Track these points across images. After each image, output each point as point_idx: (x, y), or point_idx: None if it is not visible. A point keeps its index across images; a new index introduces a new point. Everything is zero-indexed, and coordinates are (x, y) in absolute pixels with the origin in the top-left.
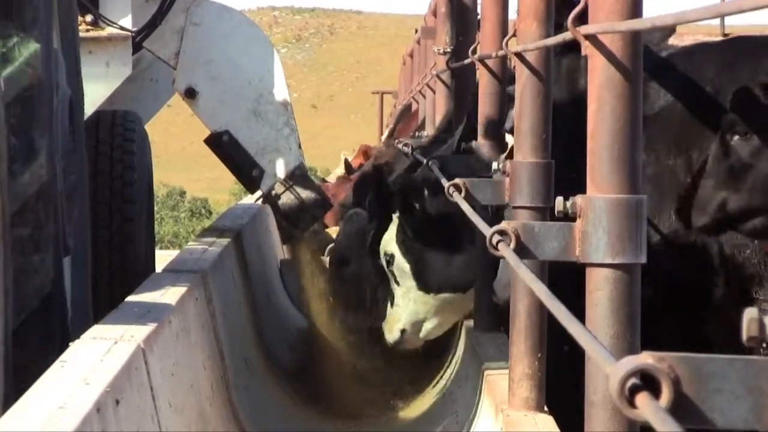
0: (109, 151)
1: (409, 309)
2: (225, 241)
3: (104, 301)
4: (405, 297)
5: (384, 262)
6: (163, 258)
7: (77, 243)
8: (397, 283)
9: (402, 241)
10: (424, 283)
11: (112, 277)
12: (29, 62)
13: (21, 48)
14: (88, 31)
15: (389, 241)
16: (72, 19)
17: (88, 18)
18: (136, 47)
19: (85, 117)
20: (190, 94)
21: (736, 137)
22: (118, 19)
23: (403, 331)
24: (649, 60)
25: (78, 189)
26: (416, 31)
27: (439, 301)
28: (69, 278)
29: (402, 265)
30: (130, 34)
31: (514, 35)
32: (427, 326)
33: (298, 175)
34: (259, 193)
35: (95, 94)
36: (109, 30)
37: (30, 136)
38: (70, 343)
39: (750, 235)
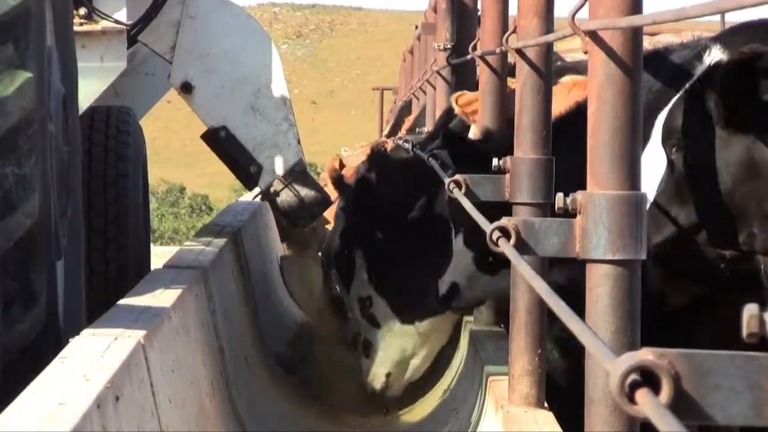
0: (103, 149)
1: (393, 348)
2: (225, 237)
3: (100, 293)
4: (388, 337)
5: (359, 311)
6: (163, 254)
7: (71, 241)
8: (378, 325)
9: (375, 275)
10: (407, 311)
11: (106, 275)
12: None
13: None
14: (81, 24)
15: (360, 286)
16: (66, 13)
17: (82, 11)
18: (131, 41)
19: (80, 112)
20: (186, 88)
21: (674, 150)
22: (113, 13)
23: (388, 375)
24: (669, 68)
25: (72, 187)
26: (416, 27)
27: (424, 327)
28: (62, 281)
29: (380, 303)
30: (124, 27)
31: (514, 31)
32: (415, 362)
33: (298, 172)
34: (257, 190)
35: (89, 89)
36: (104, 23)
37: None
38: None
39: (702, 247)
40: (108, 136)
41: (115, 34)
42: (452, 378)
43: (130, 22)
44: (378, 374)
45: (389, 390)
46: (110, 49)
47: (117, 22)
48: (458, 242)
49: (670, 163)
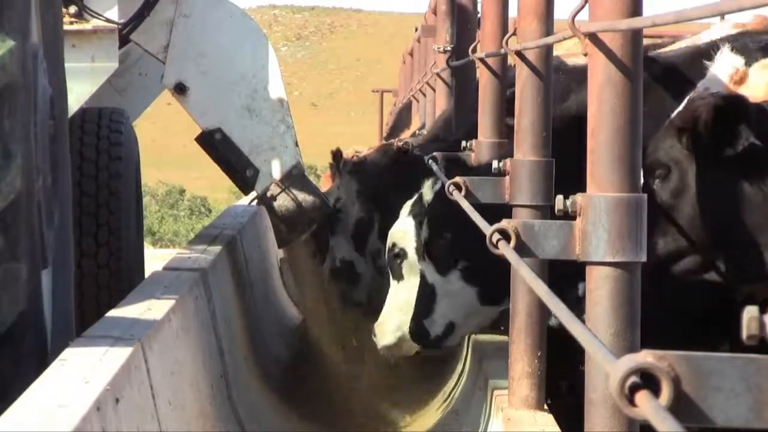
0: (94, 154)
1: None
2: (225, 240)
3: (91, 299)
4: (409, 295)
5: (389, 256)
6: (163, 257)
7: (59, 248)
8: (400, 278)
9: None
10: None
11: (98, 280)
12: None
13: None
14: (72, 23)
15: (402, 236)
16: (55, 11)
17: (72, 10)
18: (123, 40)
19: (70, 114)
20: (180, 89)
21: (657, 181)
22: (104, 11)
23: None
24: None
25: (59, 193)
26: (416, 29)
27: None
28: (48, 290)
29: (415, 262)
30: (116, 26)
31: (514, 34)
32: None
33: (295, 175)
34: (253, 194)
35: (80, 90)
36: (95, 22)
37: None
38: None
39: (684, 275)
40: (99, 138)
41: (107, 33)
42: (452, 379)
43: (122, 21)
44: (387, 331)
45: (396, 350)
46: (101, 49)
47: (108, 20)
48: (452, 282)
49: (652, 193)
